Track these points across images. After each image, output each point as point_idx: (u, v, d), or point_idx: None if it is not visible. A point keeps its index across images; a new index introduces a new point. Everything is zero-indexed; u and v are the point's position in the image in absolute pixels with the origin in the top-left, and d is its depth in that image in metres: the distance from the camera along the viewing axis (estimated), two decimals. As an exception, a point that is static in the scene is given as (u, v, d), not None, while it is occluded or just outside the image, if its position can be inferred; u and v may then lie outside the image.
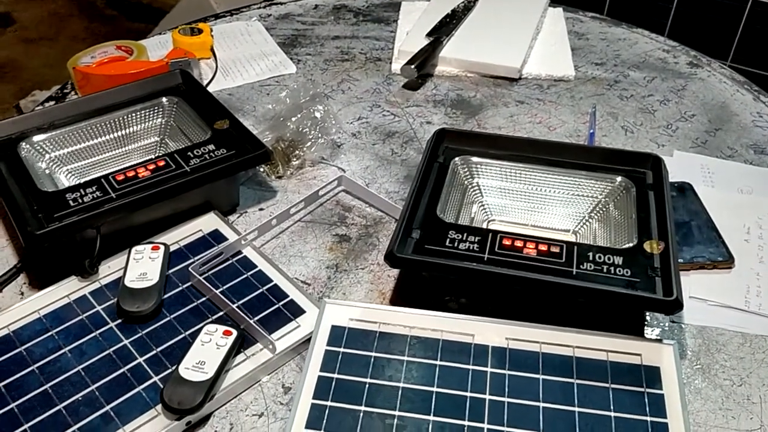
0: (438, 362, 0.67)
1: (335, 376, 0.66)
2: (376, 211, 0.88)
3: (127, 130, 0.94)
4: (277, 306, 0.74)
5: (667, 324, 0.74)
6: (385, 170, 0.95)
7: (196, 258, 0.78)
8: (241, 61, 1.19)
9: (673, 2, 1.77)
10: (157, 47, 1.20)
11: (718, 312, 0.75)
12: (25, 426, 0.63)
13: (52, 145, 0.89)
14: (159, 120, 0.95)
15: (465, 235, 0.72)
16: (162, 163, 0.82)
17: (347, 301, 0.72)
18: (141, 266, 0.76)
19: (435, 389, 0.65)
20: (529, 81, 1.14)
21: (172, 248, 0.80)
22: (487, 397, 0.64)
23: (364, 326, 0.70)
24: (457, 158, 0.84)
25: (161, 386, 0.66)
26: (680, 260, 0.79)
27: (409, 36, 1.21)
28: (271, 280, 0.77)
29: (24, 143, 0.87)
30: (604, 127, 1.03)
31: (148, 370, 0.68)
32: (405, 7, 1.35)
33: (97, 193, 0.78)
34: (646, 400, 0.63)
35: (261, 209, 0.89)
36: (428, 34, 1.19)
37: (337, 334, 0.69)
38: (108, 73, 1.05)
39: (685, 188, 0.89)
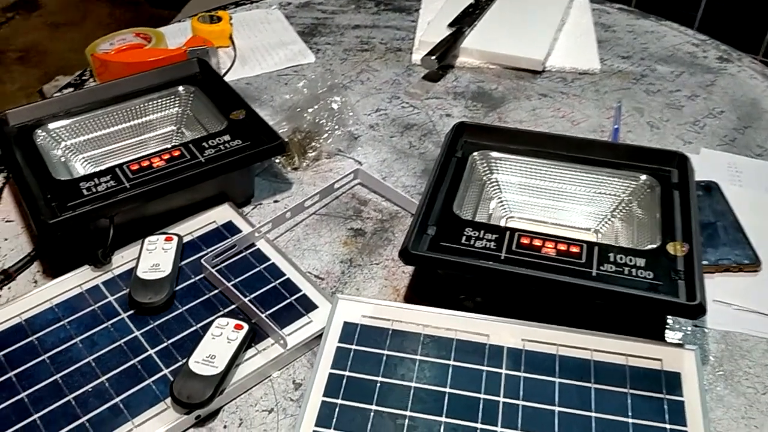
0: (451, 362, 0.65)
1: (346, 373, 0.65)
2: (392, 206, 0.86)
3: (144, 119, 0.93)
4: (289, 300, 0.73)
5: (689, 328, 0.71)
6: (403, 163, 0.93)
7: (209, 250, 0.77)
8: (259, 49, 1.18)
9: (703, -6, 1.73)
10: (177, 34, 1.19)
11: (742, 317, 0.73)
12: (35, 416, 0.63)
13: (68, 133, 0.89)
14: (175, 109, 0.94)
15: (482, 232, 0.71)
16: (177, 153, 0.81)
17: (360, 297, 0.70)
18: (154, 257, 0.75)
19: (448, 390, 0.63)
20: (552, 74, 1.12)
21: (186, 239, 0.80)
22: (501, 399, 0.62)
23: (377, 323, 0.68)
24: (475, 153, 0.82)
25: (171, 379, 0.65)
26: (705, 262, 0.76)
27: (431, 26, 1.18)
28: (284, 274, 0.76)
29: (40, 130, 0.87)
30: (629, 122, 1.00)
31: (159, 362, 0.67)
32: (427, -4, 1.33)
33: (111, 182, 0.77)
34: (666, 406, 0.61)
35: (276, 201, 0.88)
36: (450, 24, 1.17)
37: (349, 331, 0.68)
38: (126, 61, 1.04)
39: (712, 188, 0.86)
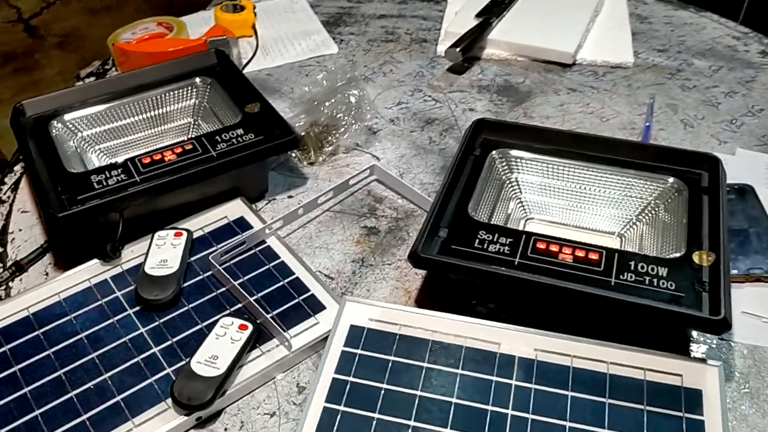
0: (459, 371, 0.63)
1: (350, 379, 0.63)
2: (407, 203, 0.84)
3: (160, 110, 0.92)
4: (297, 300, 0.71)
5: (714, 341, 0.68)
6: (421, 160, 0.90)
7: (219, 246, 0.76)
8: (282, 39, 1.16)
9: (749, -17, 1.65)
10: (200, 24, 1.18)
11: (773, 330, 0.69)
12: (36, 412, 0.62)
13: (85, 124, 0.88)
14: (192, 101, 0.93)
15: (496, 236, 0.68)
16: (189, 147, 0.80)
17: (368, 300, 0.68)
18: (162, 252, 0.74)
19: (454, 400, 0.61)
20: (583, 67, 1.07)
21: (196, 234, 0.78)
22: (510, 412, 0.60)
23: (384, 327, 0.66)
24: (494, 151, 0.79)
25: (174, 378, 0.64)
26: (734, 271, 0.72)
27: (458, 16, 1.15)
28: (293, 273, 0.74)
29: (56, 121, 0.86)
30: (661, 120, 0.96)
31: (162, 360, 0.66)
32: (456, -15, 1.29)
33: (122, 176, 0.76)
34: (684, 426, 0.58)
35: (290, 197, 0.86)
36: (478, 15, 1.13)
37: (355, 335, 0.66)
38: (146, 51, 1.04)
39: (746, 191, 0.82)
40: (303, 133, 0.90)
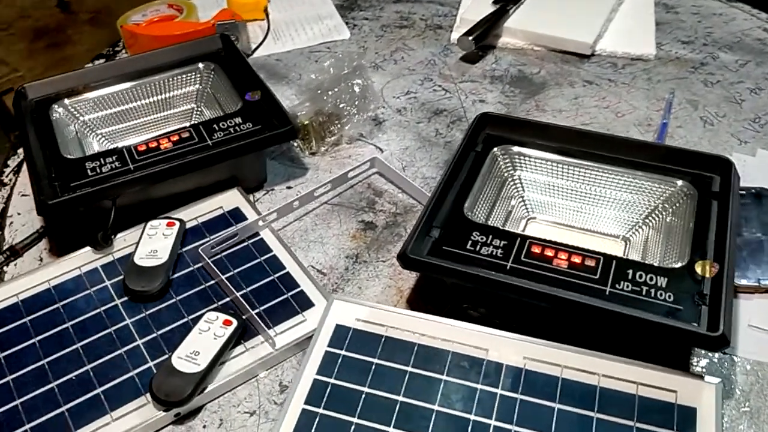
0: (444, 377, 0.61)
1: (331, 380, 0.61)
2: (407, 198, 0.82)
3: (163, 96, 0.91)
4: (285, 296, 0.70)
5: (716, 355, 0.64)
6: (426, 152, 0.88)
7: (211, 237, 0.75)
8: (294, 23, 1.13)
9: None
10: (212, 6, 1.16)
11: (781, 346, 0.65)
12: (17, 402, 0.62)
13: (86, 108, 0.88)
14: (195, 87, 0.92)
15: (490, 237, 0.65)
16: (186, 135, 0.78)
17: (357, 300, 0.66)
18: (153, 243, 0.73)
19: (436, 407, 0.59)
20: (602, 58, 1.03)
21: (190, 224, 0.77)
22: (493, 422, 0.58)
23: (371, 328, 0.64)
24: (496, 148, 0.76)
25: (155, 372, 0.63)
26: (743, 281, 0.69)
27: (475, 2, 1.11)
28: (284, 268, 0.72)
29: (57, 105, 0.86)
30: (680, 116, 0.91)
31: (145, 353, 0.65)
32: (477, -31, 1.25)
33: (117, 163, 0.75)
34: (675, 445, 0.56)
35: (289, 187, 0.84)
36: (495, 1, 1.09)
37: (340, 335, 0.64)
38: (154, 34, 1.02)
39: (764, 195, 0.77)
40: (306, 122, 0.89)
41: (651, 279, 0.61)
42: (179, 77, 0.91)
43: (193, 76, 0.92)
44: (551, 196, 0.76)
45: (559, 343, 0.61)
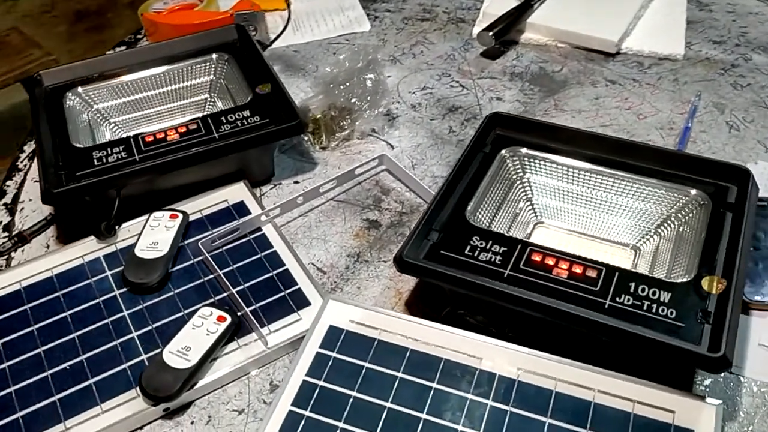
0: (434, 385, 0.59)
1: (320, 383, 0.60)
2: (415, 197, 0.80)
3: (176, 86, 0.91)
4: (282, 294, 0.69)
5: (722, 374, 0.62)
6: (437, 150, 0.86)
7: (213, 231, 0.75)
8: (315, 14, 1.12)
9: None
10: (235, -5, 1.16)
11: (792, 368, 0.62)
12: (11, 389, 0.63)
13: (99, 97, 0.88)
14: (209, 77, 0.92)
15: (489, 243, 0.63)
16: (194, 127, 0.78)
17: (351, 301, 0.65)
18: (155, 234, 0.73)
19: (423, 416, 0.58)
20: (628, 57, 1.00)
21: (194, 217, 0.77)
22: (480, 434, 0.56)
23: (364, 331, 0.63)
24: (504, 150, 0.74)
25: (147, 365, 0.63)
26: (757, 298, 0.66)
27: (499, -4, 1.09)
28: (284, 265, 0.72)
29: (71, 93, 0.86)
30: (704, 120, 0.88)
31: (139, 346, 0.65)
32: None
33: (123, 153, 0.76)
34: (669, 468, 0.53)
35: (296, 182, 0.84)
36: (520, -4, 1.07)
37: (332, 336, 0.63)
38: (173, 23, 1.02)
39: (786, 207, 0.74)
40: (319, 116, 0.88)
41: (654, 293, 0.58)
42: (193, 67, 0.91)
43: (207, 67, 0.91)
44: (561, 201, 0.74)
45: (557, 354, 0.59)
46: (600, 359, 0.58)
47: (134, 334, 0.66)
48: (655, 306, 0.57)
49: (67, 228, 0.80)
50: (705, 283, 0.59)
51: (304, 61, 1.03)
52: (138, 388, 0.62)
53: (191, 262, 0.73)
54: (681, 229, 0.68)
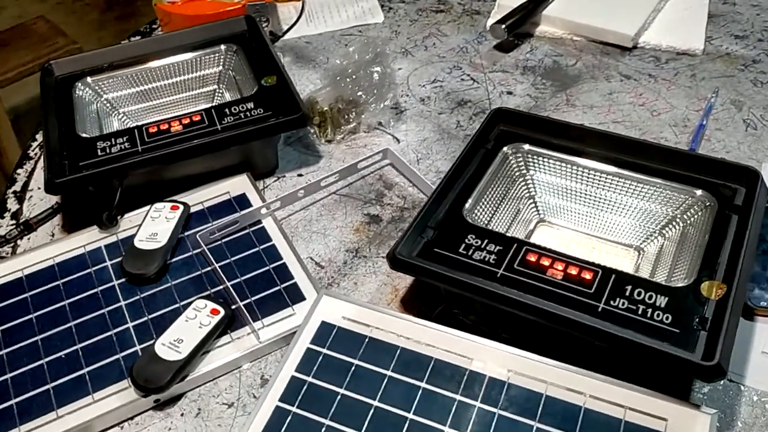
0: (423, 384, 0.59)
1: (309, 379, 0.60)
2: (417, 192, 0.79)
3: (186, 76, 0.91)
4: (278, 288, 0.69)
5: (722, 382, 0.60)
6: (443, 145, 0.85)
7: (214, 222, 0.75)
8: (329, 5, 1.12)
9: None
10: (251, -15, 1.15)
11: (796, 377, 0.60)
12: (8, 375, 0.64)
13: (109, 87, 0.89)
14: (217, 68, 0.92)
15: (485, 242, 0.62)
16: (197, 119, 0.78)
17: (345, 297, 0.65)
18: (155, 225, 0.73)
19: (410, 416, 0.57)
20: (645, 51, 0.97)
21: (196, 209, 0.77)
22: (466, 436, 0.56)
23: (356, 328, 0.63)
24: (507, 146, 0.72)
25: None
26: (764, 304, 0.64)
27: (516, -12, 1.06)
28: (281, 258, 0.72)
29: (80, 83, 0.87)
30: (720, 117, 0.85)
31: (134, 337, 0.66)
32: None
33: (126, 144, 0.76)
34: (658, 478, 0.52)
35: (300, 175, 0.83)
36: (536, -12, 1.04)
37: (324, 332, 0.63)
38: (186, 13, 1.02)
39: (800, 210, 0.71)
40: (326, 109, 0.87)
41: (650, 297, 0.57)
42: (202, 58, 0.91)
43: (216, 58, 0.91)
44: (564, 200, 0.72)
45: (552, 357, 0.58)
46: (595, 364, 0.57)
47: (129, 325, 0.67)
48: (650, 311, 0.56)
49: (73, 217, 0.81)
50: (704, 289, 0.57)
51: (316, 52, 1.03)
52: (129, 379, 0.62)
53: (190, 253, 0.73)
54: (685, 231, 0.66)
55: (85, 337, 0.66)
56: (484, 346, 0.60)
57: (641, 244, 0.69)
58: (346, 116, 0.86)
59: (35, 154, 0.91)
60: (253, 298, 0.68)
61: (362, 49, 0.91)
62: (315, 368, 0.61)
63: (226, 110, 0.79)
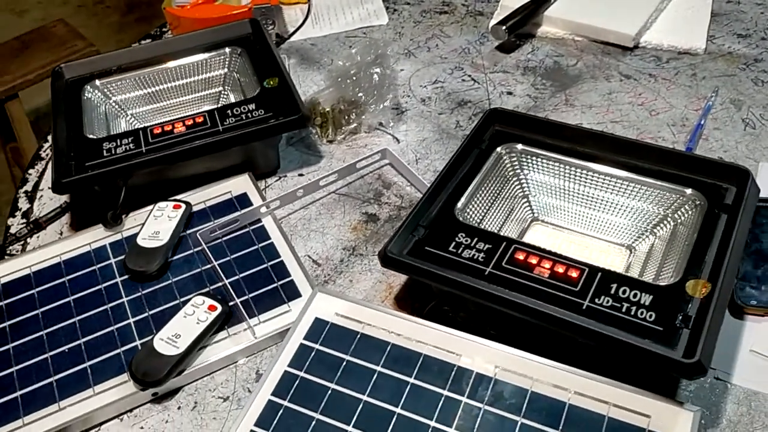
0: (411, 380, 0.60)
1: (301, 374, 0.62)
2: (415, 192, 0.81)
3: (192, 78, 0.93)
4: (275, 285, 0.71)
5: (708, 380, 0.60)
6: (442, 145, 0.86)
7: (215, 221, 0.77)
8: (335, 7, 1.13)
9: None
10: (259, -12, 1.17)
11: (784, 376, 0.60)
12: (14, 368, 0.66)
13: (117, 89, 0.91)
14: (222, 70, 0.94)
15: (475, 240, 0.63)
16: (200, 120, 0.80)
17: (339, 294, 0.66)
18: (158, 224, 0.76)
19: (398, 410, 0.58)
20: (646, 51, 0.97)
21: (198, 208, 0.79)
22: (452, 431, 0.57)
23: (348, 324, 0.64)
24: (501, 146, 0.73)
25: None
26: (753, 302, 0.64)
27: (519, -11, 1.07)
28: (279, 256, 0.73)
29: (89, 86, 0.89)
30: (719, 117, 0.85)
31: (134, 332, 0.68)
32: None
33: (131, 145, 0.78)
34: (639, 473, 0.53)
35: (301, 175, 0.85)
36: (539, -12, 1.05)
37: (317, 329, 0.64)
38: (194, 16, 1.05)
39: (795, 209, 0.71)
40: (327, 109, 0.89)
41: (635, 295, 0.58)
42: (208, 61, 0.93)
43: (221, 60, 0.93)
44: (557, 199, 0.73)
45: (540, 354, 0.59)
46: (583, 361, 0.58)
47: (131, 320, 0.69)
48: (634, 308, 0.57)
49: (80, 216, 0.83)
50: (690, 287, 0.57)
51: (320, 54, 1.04)
52: (128, 373, 0.64)
53: (191, 251, 0.75)
54: (676, 230, 0.66)
55: (88, 332, 0.68)
56: (472, 342, 0.61)
57: (633, 242, 0.70)
58: (347, 117, 0.88)
59: (46, 154, 0.94)
60: (251, 295, 0.70)
61: (364, 51, 0.92)
62: (307, 363, 0.62)
63: (229, 112, 0.81)
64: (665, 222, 0.68)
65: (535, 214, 0.74)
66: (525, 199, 0.74)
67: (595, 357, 0.59)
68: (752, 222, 0.68)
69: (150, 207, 0.79)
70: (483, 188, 0.71)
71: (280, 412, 0.60)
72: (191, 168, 0.81)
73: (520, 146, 0.73)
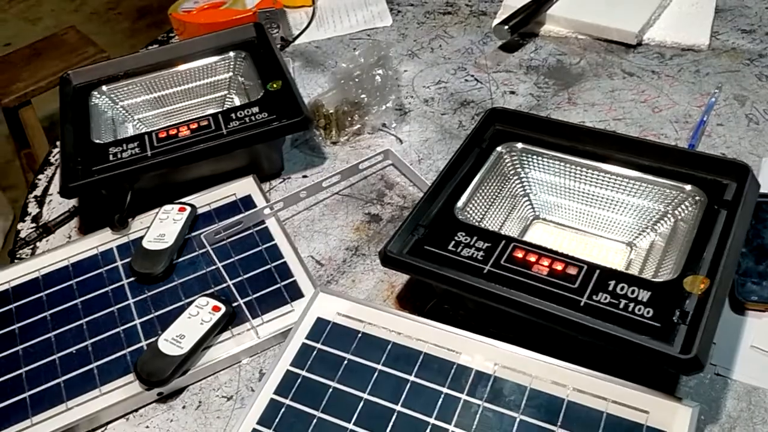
0: (411, 377, 0.60)
1: (303, 373, 0.62)
2: (417, 192, 0.81)
3: (197, 83, 0.95)
4: (278, 286, 0.71)
5: (709, 376, 0.60)
6: (445, 145, 0.87)
7: (219, 223, 0.78)
8: (339, 10, 1.14)
9: None
10: (264, -8, 1.19)
11: (785, 371, 0.60)
12: (23, 370, 0.67)
13: (123, 95, 0.92)
14: (227, 74, 0.95)
15: (474, 239, 0.64)
16: (205, 123, 0.81)
17: (341, 293, 0.67)
18: (163, 227, 0.77)
19: (398, 408, 0.59)
20: (649, 48, 0.97)
21: (203, 210, 0.80)
22: (452, 428, 0.57)
23: (349, 323, 0.65)
24: (501, 145, 0.74)
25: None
26: (754, 298, 0.64)
27: (522, -12, 1.07)
28: (282, 257, 0.74)
29: (96, 92, 0.91)
30: (723, 113, 0.85)
31: (140, 333, 0.69)
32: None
33: (137, 149, 0.79)
34: (638, 469, 0.53)
35: (305, 176, 0.86)
36: (542, -13, 1.05)
37: (319, 328, 0.65)
38: (199, 21, 1.06)
39: (797, 204, 0.71)
40: (331, 111, 0.89)
41: (633, 292, 0.58)
42: (213, 65, 0.94)
43: (225, 64, 0.94)
44: (558, 197, 0.73)
45: (540, 351, 0.59)
46: (582, 358, 0.58)
47: (137, 322, 0.70)
48: (632, 305, 0.57)
49: (88, 220, 0.85)
50: (687, 283, 0.58)
51: (325, 56, 1.05)
52: (134, 373, 0.65)
53: (196, 253, 0.76)
54: (676, 227, 0.67)
55: (95, 333, 0.70)
56: (472, 340, 0.62)
57: (633, 240, 0.70)
58: (351, 118, 0.89)
59: (55, 160, 0.95)
60: (254, 296, 0.71)
61: (368, 53, 0.93)
62: (309, 362, 0.63)
63: (233, 115, 0.82)
64: (666, 219, 0.68)
65: (537, 213, 0.74)
66: (526, 198, 0.74)
67: (593, 354, 0.59)
68: (754, 217, 0.68)
69: (156, 210, 0.80)
70: (483, 187, 0.71)
71: (282, 410, 0.60)
72: (196, 171, 0.82)
73: (520, 145, 0.74)
